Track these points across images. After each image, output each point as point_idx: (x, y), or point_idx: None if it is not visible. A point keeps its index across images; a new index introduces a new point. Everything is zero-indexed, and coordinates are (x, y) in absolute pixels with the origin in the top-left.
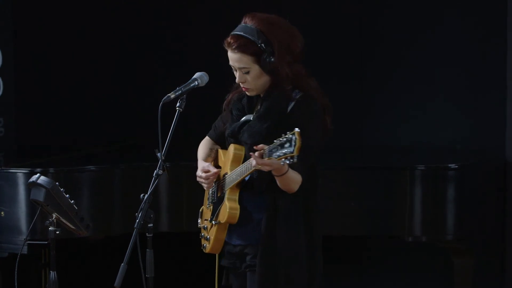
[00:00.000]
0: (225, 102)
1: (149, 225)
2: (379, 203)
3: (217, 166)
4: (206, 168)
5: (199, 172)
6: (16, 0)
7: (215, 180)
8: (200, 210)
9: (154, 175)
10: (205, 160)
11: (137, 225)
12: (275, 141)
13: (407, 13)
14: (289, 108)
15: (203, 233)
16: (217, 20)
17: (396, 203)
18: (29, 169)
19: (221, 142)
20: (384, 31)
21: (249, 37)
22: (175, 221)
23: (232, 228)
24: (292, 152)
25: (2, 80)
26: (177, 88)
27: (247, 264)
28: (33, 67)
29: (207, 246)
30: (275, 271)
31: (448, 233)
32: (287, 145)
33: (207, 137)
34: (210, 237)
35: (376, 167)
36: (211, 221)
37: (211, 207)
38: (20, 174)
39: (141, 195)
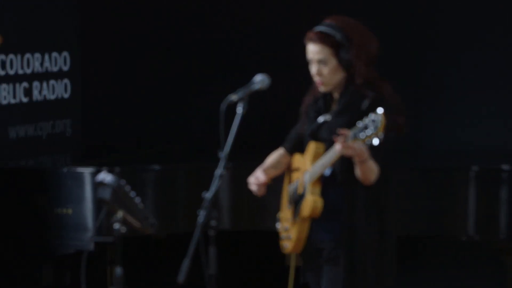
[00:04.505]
0: (302, 107)
1: (211, 223)
2: (435, 203)
3: (290, 171)
4: (257, 174)
5: (251, 178)
6: (82, 2)
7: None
8: (278, 216)
9: (216, 174)
10: (267, 169)
11: (200, 223)
12: (357, 124)
13: (462, 17)
14: (364, 106)
15: (284, 234)
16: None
17: (451, 204)
18: (95, 168)
19: (295, 152)
20: (441, 33)
21: (330, 30)
22: (237, 219)
23: (316, 223)
24: (377, 130)
25: (70, 82)
26: (239, 90)
27: (325, 258)
28: (99, 69)
29: (289, 246)
30: (357, 265)
31: (501, 232)
32: (371, 125)
33: (281, 148)
34: (292, 236)
35: (432, 168)
36: (294, 218)
37: (292, 207)
38: (87, 173)
39: (204, 194)
